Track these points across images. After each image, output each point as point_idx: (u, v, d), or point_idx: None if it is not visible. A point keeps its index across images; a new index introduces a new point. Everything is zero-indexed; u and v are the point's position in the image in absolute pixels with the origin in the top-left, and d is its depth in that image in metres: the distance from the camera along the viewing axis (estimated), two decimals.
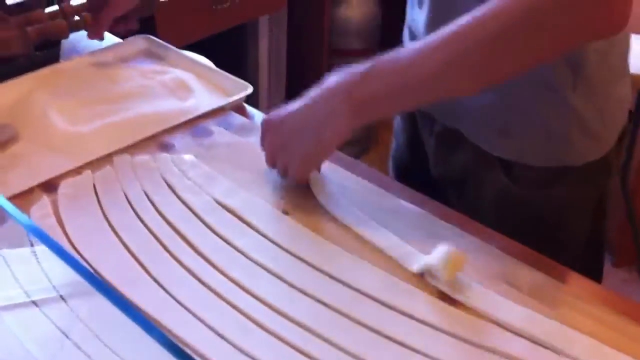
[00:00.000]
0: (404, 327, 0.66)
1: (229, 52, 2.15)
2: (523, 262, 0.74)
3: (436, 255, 0.70)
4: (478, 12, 0.68)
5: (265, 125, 0.81)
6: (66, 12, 1.10)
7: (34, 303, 0.63)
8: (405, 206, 0.82)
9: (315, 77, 2.50)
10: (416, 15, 0.94)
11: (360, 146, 2.44)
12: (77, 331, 0.59)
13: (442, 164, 0.94)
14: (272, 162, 0.81)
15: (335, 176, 0.85)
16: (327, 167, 0.85)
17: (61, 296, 0.61)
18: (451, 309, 0.68)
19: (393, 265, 0.73)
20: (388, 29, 2.45)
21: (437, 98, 0.77)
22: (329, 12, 2.19)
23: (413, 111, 1.00)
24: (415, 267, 0.72)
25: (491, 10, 0.67)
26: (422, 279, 0.72)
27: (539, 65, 0.72)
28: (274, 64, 2.23)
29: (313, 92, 0.77)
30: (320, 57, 2.25)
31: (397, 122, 1.10)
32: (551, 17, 0.65)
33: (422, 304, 0.68)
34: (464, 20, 0.69)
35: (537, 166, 0.86)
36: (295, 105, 0.79)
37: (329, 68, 2.29)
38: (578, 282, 0.72)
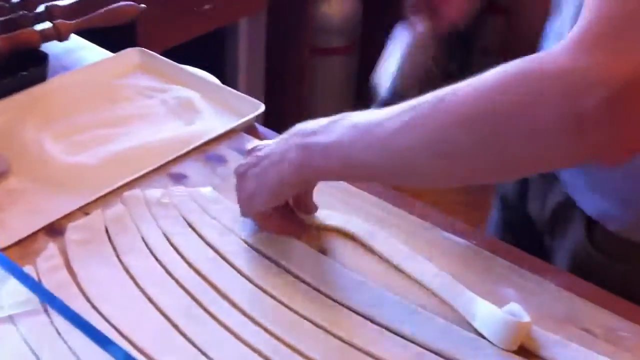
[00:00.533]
0: None
1: (206, 55, 2.05)
2: (594, 303, 0.67)
3: (500, 321, 0.63)
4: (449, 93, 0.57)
5: (237, 175, 0.75)
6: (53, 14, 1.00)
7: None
8: (449, 238, 0.75)
9: (297, 77, 2.42)
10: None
11: None
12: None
13: (538, 201, 0.84)
14: None
15: (357, 201, 0.78)
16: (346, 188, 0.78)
17: None
18: None
19: (445, 309, 0.66)
20: (369, 25, 2.38)
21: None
22: (310, 11, 2.11)
23: None
24: (476, 324, 0.64)
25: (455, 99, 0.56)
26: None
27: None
28: (253, 66, 2.14)
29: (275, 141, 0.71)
30: (301, 56, 2.17)
31: None
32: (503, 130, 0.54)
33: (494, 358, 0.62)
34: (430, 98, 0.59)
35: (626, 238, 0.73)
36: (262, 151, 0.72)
37: (311, 67, 2.22)
38: None
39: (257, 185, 0.69)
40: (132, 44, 1.56)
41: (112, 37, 1.11)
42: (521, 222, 0.88)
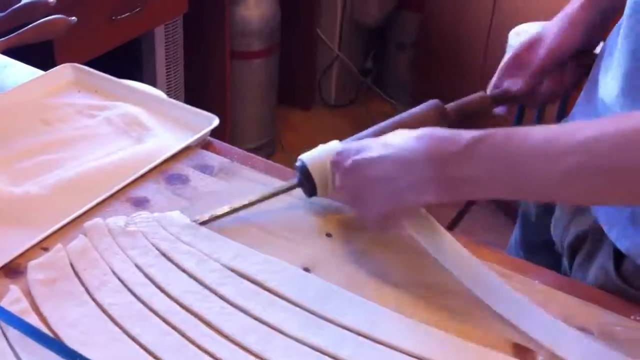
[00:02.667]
0: None
1: (122, 64, 1.97)
2: (586, 301, 0.67)
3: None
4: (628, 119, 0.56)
5: (335, 165, 0.70)
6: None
7: None
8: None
9: (218, 82, 2.36)
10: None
11: (265, 152, 2.34)
12: None
13: (562, 224, 0.81)
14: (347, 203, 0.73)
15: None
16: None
17: None
18: None
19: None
20: (288, 27, 2.35)
21: (544, 201, 0.69)
22: (228, 15, 2.06)
23: None
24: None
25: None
26: None
27: None
28: (171, 73, 2.07)
29: (396, 145, 0.65)
30: (221, 61, 2.12)
31: None
32: None
33: None
34: (606, 124, 0.57)
35: None
36: (372, 149, 0.66)
37: (232, 72, 2.17)
38: None
39: (391, 205, 0.66)
40: (50, 59, 1.48)
41: (25, 53, 1.03)
42: (540, 242, 0.87)
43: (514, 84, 0.81)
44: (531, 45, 0.82)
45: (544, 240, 0.84)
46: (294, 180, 0.76)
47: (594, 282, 0.73)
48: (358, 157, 0.67)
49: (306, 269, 0.70)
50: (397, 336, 0.63)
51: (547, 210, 0.84)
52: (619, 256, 0.71)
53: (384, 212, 0.67)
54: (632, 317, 0.67)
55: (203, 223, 0.73)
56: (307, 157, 0.75)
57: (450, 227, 1.84)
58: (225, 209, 0.74)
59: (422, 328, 0.64)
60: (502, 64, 0.83)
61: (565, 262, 0.79)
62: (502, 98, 0.82)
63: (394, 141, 0.65)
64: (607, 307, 0.67)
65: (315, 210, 0.77)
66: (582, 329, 0.65)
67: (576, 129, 0.58)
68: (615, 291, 0.70)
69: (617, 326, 0.66)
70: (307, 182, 0.75)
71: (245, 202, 0.75)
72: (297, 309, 0.65)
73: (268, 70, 2.28)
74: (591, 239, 0.75)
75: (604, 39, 0.80)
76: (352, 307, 0.66)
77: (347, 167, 0.68)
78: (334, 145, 0.75)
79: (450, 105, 0.80)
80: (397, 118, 0.80)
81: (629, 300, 0.69)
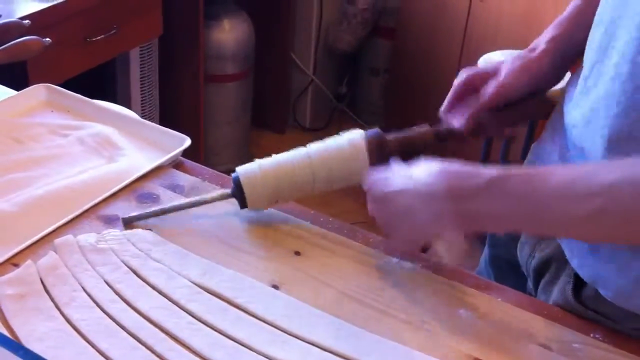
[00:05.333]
0: None
1: (96, 86, 1.98)
2: (546, 318, 0.69)
3: None
4: None
5: (369, 193, 0.72)
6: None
7: None
8: (398, 263, 0.75)
9: (192, 105, 2.36)
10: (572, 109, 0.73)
11: None
12: None
13: (528, 247, 0.82)
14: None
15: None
16: None
17: None
18: None
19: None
20: (262, 51, 2.38)
21: (562, 237, 0.71)
22: (202, 38, 2.08)
23: None
24: None
25: None
26: None
27: None
28: (146, 94, 2.08)
29: (418, 179, 0.67)
30: (195, 83, 2.13)
31: None
32: None
33: None
34: (624, 169, 0.59)
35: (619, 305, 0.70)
36: (397, 181, 0.69)
37: (206, 95, 2.18)
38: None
39: (414, 236, 0.71)
40: (24, 80, 1.48)
41: None
42: (507, 262, 0.89)
43: (458, 120, 0.81)
44: (484, 76, 0.81)
45: (512, 261, 0.86)
46: (228, 190, 0.79)
47: (555, 303, 0.74)
48: (385, 189, 0.69)
49: (275, 286, 0.71)
50: (361, 351, 0.64)
51: (515, 233, 0.86)
52: (579, 281, 0.73)
53: (408, 241, 0.72)
54: (592, 335, 0.69)
55: (127, 222, 0.77)
56: (242, 170, 0.78)
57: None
58: (154, 209, 0.77)
59: (387, 343, 0.65)
60: (455, 83, 0.83)
61: (530, 284, 0.81)
62: (445, 135, 0.81)
63: (417, 174, 0.67)
64: (568, 325, 0.69)
65: (283, 227, 0.79)
66: (543, 346, 0.67)
67: (597, 172, 0.61)
68: (573, 313, 0.72)
69: (576, 344, 0.68)
70: (239, 194, 0.77)
71: (176, 204, 0.78)
72: (265, 325, 0.66)
73: (242, 94, 2.29)
74: (555, 264, 0.77)
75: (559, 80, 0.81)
76: (319, 323, 0.67)
77: (376, 198, 0.70)
78: (269, 161, 0.78)
79: (393, 136, 0.79)
80: (326, 147, 0.79)
81: (588, 320, 0.71)
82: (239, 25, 2.21)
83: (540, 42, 0.80)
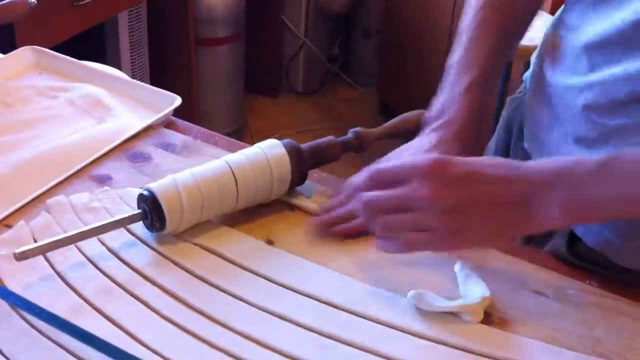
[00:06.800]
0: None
1: (85, 51, 1.96)
2: (541, 266, 0.69)
3: (468, 297, 0.64)
4: None
5: (428, 169, 0.59)
6: None
7: None
8: None
9: (183, 69, 2.33)
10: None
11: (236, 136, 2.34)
12: None
13: None
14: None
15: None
16: None
17: None
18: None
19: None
20: (253, 14, 2.35)
21: None
22: (192, 1, 2.05)
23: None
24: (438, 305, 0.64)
25: None
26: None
27: None
28: (136, 60, 2.06)
29: (505, 166, 0.59)
30: (186, 48, 2.11)
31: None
32: None
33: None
34: None
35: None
36: (479, 165, 0.60)
37: (197, 59, 2.16)
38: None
39: (496, 235, 0.61)
40: (11, 45, 1.46)
41: None
42: None
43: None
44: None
45: None
46: (136, 211, 0.68)
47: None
48: (464, 167, 0.58)
49: (269, 241, 0.71)
50: (358, 302, 0.64)
51: None
52: (572, 239, 0.72)
53: (484, 244, 0.64)
54: (587, 282, 0.69)
55: (22, 256, 0.61)
56: (157, 186, 0.67)
57: None
58: (47, 241, 0.64)
59: (383, 293, 0.65)
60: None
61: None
62: (352, 145, 0.78)
63: (498, 163, 0.60)
64: (562, 273, 0.69)
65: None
66: (538, 292, 0.67)
67: None
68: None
69: (571, 290, 0.68)
70: (154, 215, 0.67)
71: (73, 234, 0.65)
72: (259, 279, 0.66)
73: (234, 58, 2.27)
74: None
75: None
76: (315, 276, 0.67)
77: (457, 175, 0.58)
78: (184, 175, 0.69)
79: (305, 146, 0.75)
80: (245, 157, 0.72)
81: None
82: None
83: (452, 106, 0.71)
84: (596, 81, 0.65)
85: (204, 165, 0.71)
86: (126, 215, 0.68)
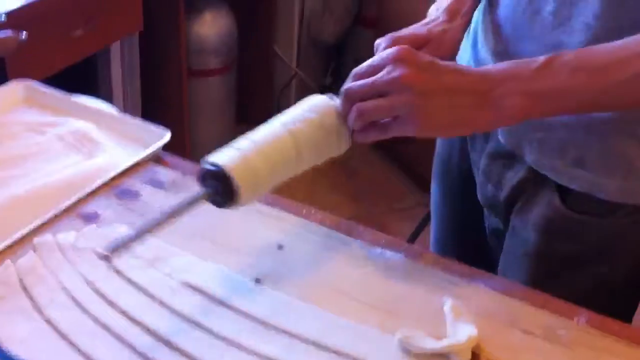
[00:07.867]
0: None
1: (77, 83, 1.96)
2: (530, 304, 0.69)
3: (455, 337, 0.63)
4: None
5: (399, 56, 0.65)
6: None
7: None
8: (378, 252, 0.75)
9: (175, 100, 2.33)
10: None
11: None
12: None
13: (491, 184, 0.84)
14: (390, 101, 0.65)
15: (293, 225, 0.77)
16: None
17: None
18: None
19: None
20: (245, 45, 2.36)
21: (620, 107, 0.70)
22: (184, 32, 2.06)
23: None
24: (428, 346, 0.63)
25: None
26: None
27: None
28: (128, 91, 2.07)
29: (465, 65, 0.72)
30: (178, 78, 2.12)
31: (441, 145, 0.98)
32: None
33: None
34: None
35: (606, 200, 0.76)
36: (443, 61, 0.67)
37: (189, 90, 2.17)
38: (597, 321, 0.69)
39: (452, 116, 0.65)
40: (3, 78, 1.46)
41: None
42: (466, 212, 0.91)
43: None
44: (418, 41, 0.81)
45: (470, 211, 0.89)
46: (201, 192, 0.64)
47: (538, 219, 0.78)
48: (434, 60, 0.66)
49: (257, 280, 0.70)
50: (347, 342, 0.64)
51: (468, 180, 0.89)
52: (562, 194, 0.77)
53: (443, 129, 0.67)
54: (575, 319, 0.69)
55: (108, 256, 0.60)
56: (222, 159, 0.64)
57: (410, 240, 1.86)
58: (131, 234, 0.62)
59: (374, 332, 0.65)
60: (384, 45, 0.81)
61: (493, 222, 0.85)
62: None
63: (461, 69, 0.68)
64: (551, 310, 0.69)
65: (266, 220, 0.78)
66: (526, 332, 0.67)
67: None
68: (560, 221, 0.77)
69: (561, 329, 0.67)
70: (223, 190, 0.63)
71: (150, 223, 0.63)
72: (248, 320, 0.66)
73: (226, 88, 2.28)
74: (531, 187, 0.79)
75: None
76: (304, 316, 0.66)
77: (421, 64, 0.65)
78: (246, 143, 0.67)
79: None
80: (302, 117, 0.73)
81: (574, 229, 0.77)
82: (221, 19, 2.19)
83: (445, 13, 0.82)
84: None
85: (259, 130, 0.70)
86: (189, 198, 0.63)
